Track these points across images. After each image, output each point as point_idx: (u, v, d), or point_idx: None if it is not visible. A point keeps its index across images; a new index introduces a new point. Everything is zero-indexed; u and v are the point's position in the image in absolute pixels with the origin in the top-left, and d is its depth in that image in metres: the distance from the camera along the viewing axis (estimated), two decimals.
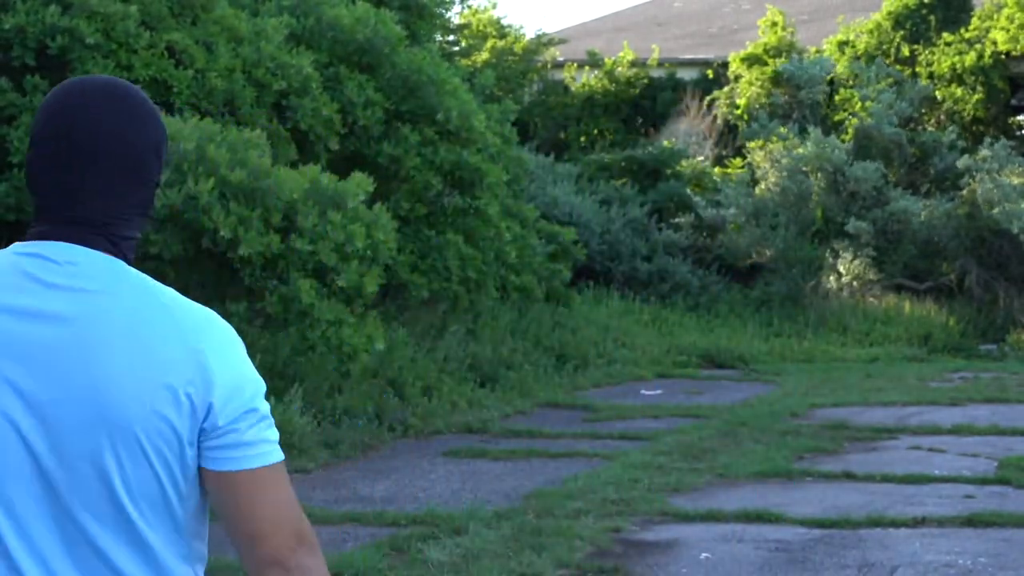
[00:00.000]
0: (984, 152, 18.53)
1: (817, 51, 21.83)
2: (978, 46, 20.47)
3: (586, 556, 6.58)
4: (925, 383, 13.77)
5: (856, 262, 18.38)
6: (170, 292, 1.85)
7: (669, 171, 20.43)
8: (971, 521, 7.35)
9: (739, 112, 21.40)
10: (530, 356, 13.26)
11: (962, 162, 18.62)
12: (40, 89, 9.68)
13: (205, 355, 1.77)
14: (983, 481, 8.52)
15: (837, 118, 20.49)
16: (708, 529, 7.22)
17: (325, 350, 9.47)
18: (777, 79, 20.99)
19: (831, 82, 20.92)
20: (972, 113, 20.64)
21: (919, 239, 18.69)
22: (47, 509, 1.74)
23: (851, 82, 20.66)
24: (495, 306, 13.68)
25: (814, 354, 16.20)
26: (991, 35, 20.37)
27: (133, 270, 1.83)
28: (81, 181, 1.80)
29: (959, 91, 20.61)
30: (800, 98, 20.71)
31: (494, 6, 26.58)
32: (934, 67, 20.76)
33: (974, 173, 18.38)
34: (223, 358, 1.79)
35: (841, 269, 18.49)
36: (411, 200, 12.13)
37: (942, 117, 20.71)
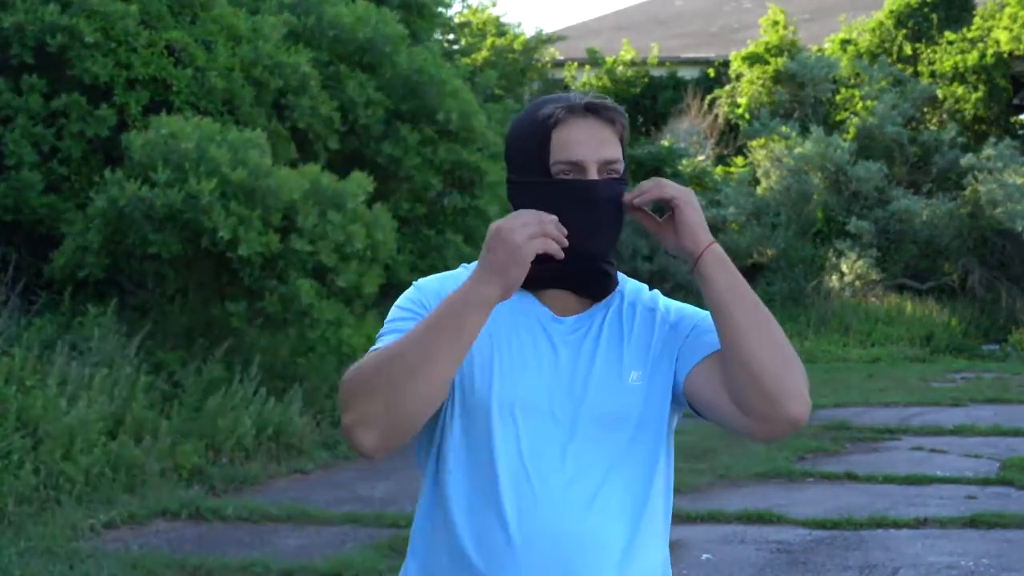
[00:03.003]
0: (988, 152, 18.49)
1: (819, 49, 21.79)
2: (980, 45, 20.43)
3: None
4: (927, 383, 13.74)
5: (860, 262, 18.35)
6: None
7: (670, 170, 20.37)
8: (973, 522, 7.32)
9: (740, 111, 21.36)
10: None
11: (966, 160, 18.58)
12: (37, 89, 9.64)
13: None
14: (985, 482, 8.49)
15: (839, 117, 20.45)
16: (709, 530, 7.19)
17: (325, 350, 9.43)
18: (780, 77, 20.95)
19: (833, 81, 20.88)
20: (974, 112, 20.60)
21: (921, 239, 18.65)
22: None
23: (853, 81, 20.63)
24: None
25: (816, 354, 16.16)
26: (993, 34, 20.33)
27: None
28: None
29: (961, 90, 20.57)
30: (802, 97, 20.67)
31: (494, 4, 26.57)
32: (936, 66, 20.72)
33: (977, 173, 18.34)
34: None
35: (844, 268, 18.46)
36: (411, 200, 12.09)
37: (944, 116, 20.67)
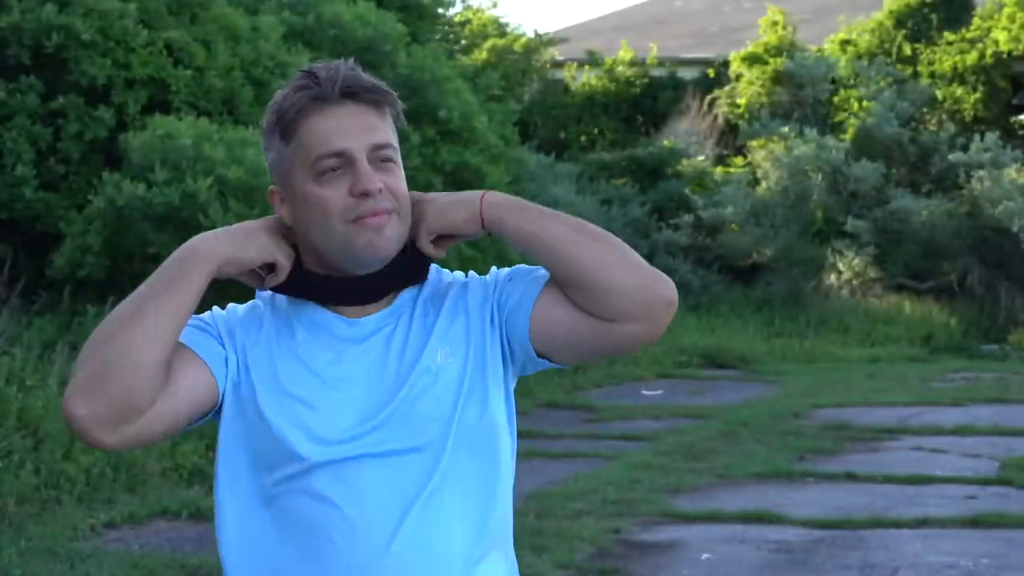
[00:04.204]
0: (980, 144, 18.46)
1: (818, 50, 21.80)
2: (980, 46, 20.44)
3: (586, 557, 6.55)
4: (927, 383, 13.74)
5: (857, 260, 18.36)
6: None
7: (670, 170, 20.39)
8: (973, 522, 7.32)
9: (740, 111, 21.37)
10: None
11: (955, 157, 18.59)
12: (34, 89, 9.63)
13: None
14: (985, 482, 8.49)
15: (838, 118, 20.46)
16: (709, 530, 7.19)
17: None
18: (779, 78, 20.96)
19: (832, 81, 20.89)
20: (973, 113, 20.61)
21: (920, 238, 18.65)
22: None
23: (852, 81, 20.64)
24: None
25: (815, 354, 16.16)
26: (993, 35, 20.34)
27: None
28: None
29: (960, 91, 20.58)
30: (801, 97, 20.68)
31: (495, 5, 26.60)
32: (935, 66, 20.73)
33: (974, 171, 18.34)
34: None
35: (841, 267, 18.48)
36: None
37: (943, 116, 20.68)
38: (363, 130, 1.88)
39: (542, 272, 1.94)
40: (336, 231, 1.87)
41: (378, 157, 1.89)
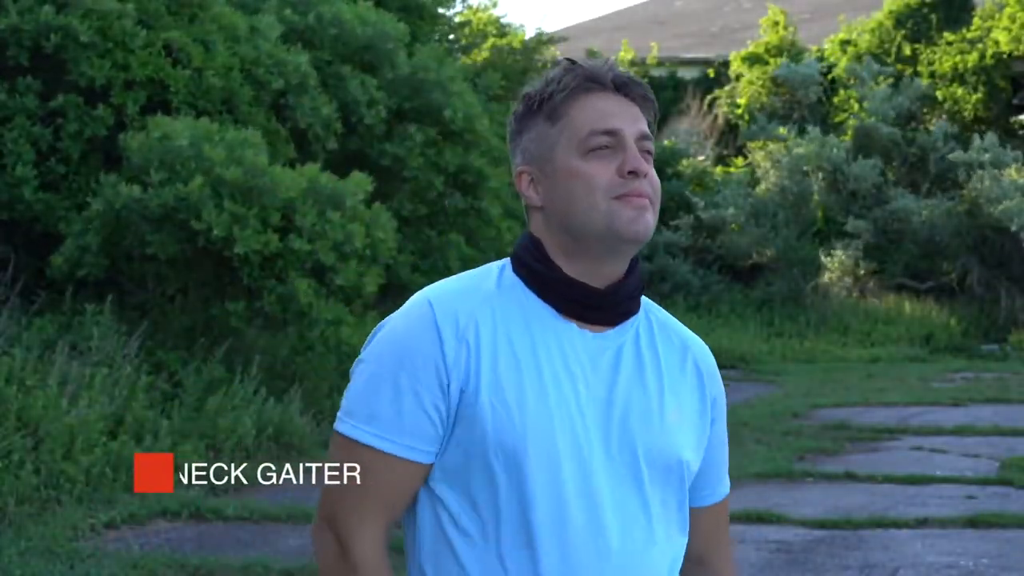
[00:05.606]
0: (980, 145, 18.46)
1: (818, 50, 21.81)
2: (980, 46, 20.44)
3: None
4: (927, 383, 13.75)
5: (844, 255, 18.36)
6: None
7: (670, 171, 20.40)
8: (973, 522, 7.32)
9: (740, 112, 21.37)
10: None
11: (954, 156, 18.58)
12: (33, 90, 9.63)
13: None
14: (985, 482, 8.50)
15: (838, 119, 20.46)
16: None
17: (324, 350, 9.42)
18: (775, 80, 20.99)
19: (832, 82, 20.89)
20: (973, 113, 20.61)
21: (920, 238, 18.65)
22: None
23: (851, 81, 20.64)
24: None
25: (815, 354, 16.17)
26: (993, 35, 20.34)
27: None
28: None
29: (960, 91, 20.58)
30: (798, 99, 20.70)
31: (495, 5, 26.53)
32: (936, 66, 20.73)
33: (976, 170, 18.34)
34: None
35: (829, 265, 18.48)
36: (413, 201, 12.09)
37: (943, 116, 20.68)
38: (633, 118, 1.89)
39: (717, 489, 2.05)
40: (599, 206, 1.84)
41: (643, 148, 1.88)
